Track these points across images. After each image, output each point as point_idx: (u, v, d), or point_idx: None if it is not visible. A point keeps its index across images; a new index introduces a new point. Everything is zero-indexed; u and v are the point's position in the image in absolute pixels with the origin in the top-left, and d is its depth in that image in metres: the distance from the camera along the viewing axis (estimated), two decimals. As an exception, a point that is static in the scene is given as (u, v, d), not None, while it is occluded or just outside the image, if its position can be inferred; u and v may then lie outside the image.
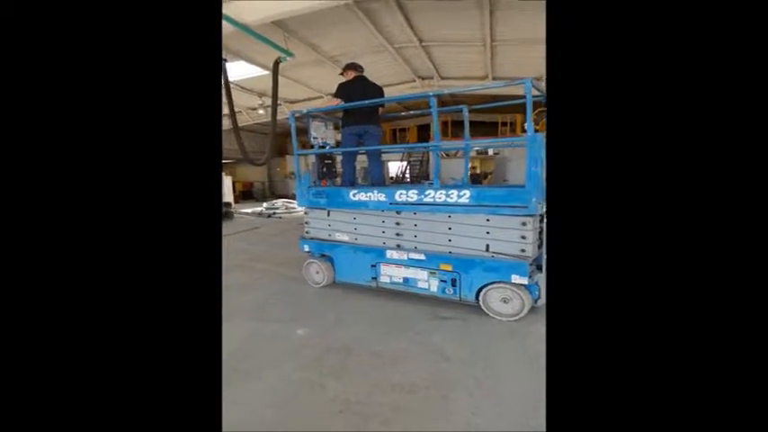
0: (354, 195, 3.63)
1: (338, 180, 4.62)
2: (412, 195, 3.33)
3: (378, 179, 4.18)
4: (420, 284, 3.41)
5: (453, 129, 13.21)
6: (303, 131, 4.16)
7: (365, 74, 4.36)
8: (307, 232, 4.11)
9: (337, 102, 3.95)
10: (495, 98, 5.11)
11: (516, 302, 3.00)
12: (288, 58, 6.32)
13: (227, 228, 8.81)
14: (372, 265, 3.64)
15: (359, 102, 3.82)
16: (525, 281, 2.90)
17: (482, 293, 3.12)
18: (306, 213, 4.09)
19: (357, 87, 4.03)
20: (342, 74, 4.30)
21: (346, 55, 8.36)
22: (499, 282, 3.03)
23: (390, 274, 3.56)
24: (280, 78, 5.75)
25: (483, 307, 3.13)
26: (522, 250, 2.96)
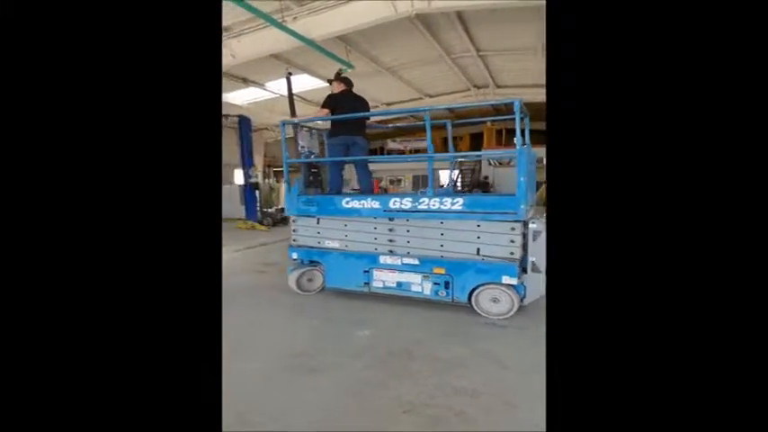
0: (347, 203, 3.74)
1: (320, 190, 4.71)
2: (406, 203, 3.50)
3: (367, 188, 4.32)
4: (414, 288, 3.56)
5: (507, 137, 13.46)
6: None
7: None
8: (294, 240, 4.14)
9: (325, 112, 4.07)
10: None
11: (506, 302, 3.23)
12: (348, 70, 6.72)
13: (283, 233, 8.51)
14: (365, 271, 3.74)
15: (348, 113, 3.99)
16: (515, 281, 3.14)
17: (474, 294, 3.33)
18: (293, 221, 4.13)
19: (346, 100, 4.19)
20: (330, 83, 4.44)
21: (404, 65, 8.93)
22: (490, 283, 3.26)
23: (383, 279, 3.68)
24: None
25: (475, 307, 3.33)
26: (512, 253, 3.21)
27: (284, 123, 4.01)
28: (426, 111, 3.46)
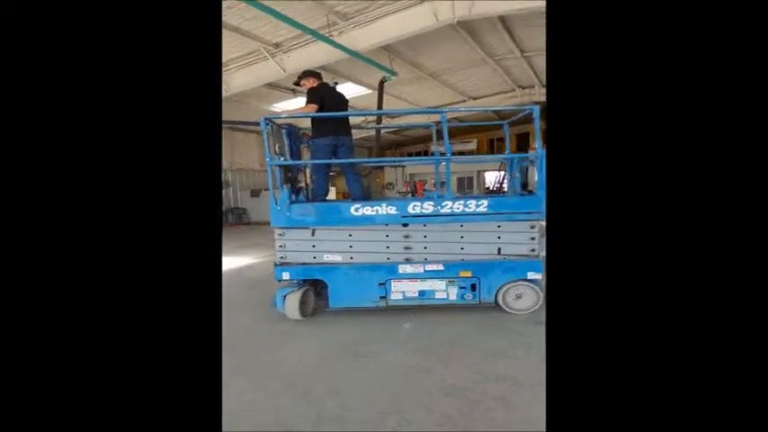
0: (357, 210, 3.33)
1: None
2: (428, 207, 3.33)
3: (358, 194, 3.90)
4: (438, 295, 3.43)
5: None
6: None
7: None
8: (282, 257, 3.46)
9: (314, 108, 3.54)
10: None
11: (532, 296, 3.41)
12: (392, 78, 7.27)
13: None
14: (381, 284, 3.41)
15: (334, 110, 3.59)
16: (540, 276, 3.34)
17: (500, 293, 3.40)
18: (280, 235, 3.45)
19: (330, 94, 3.72)
20: (298, 83, 3.87)
21: (447, 70, 9.15)
22: (516, 280, 3.38)
23: (403, 290, 3.42)
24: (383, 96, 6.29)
25: (503, 305, 3.41)
26: (533, 249, 3.40)
27: (266, 119, 3.30)
28: (443, 112, 3.36)
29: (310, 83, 3.79)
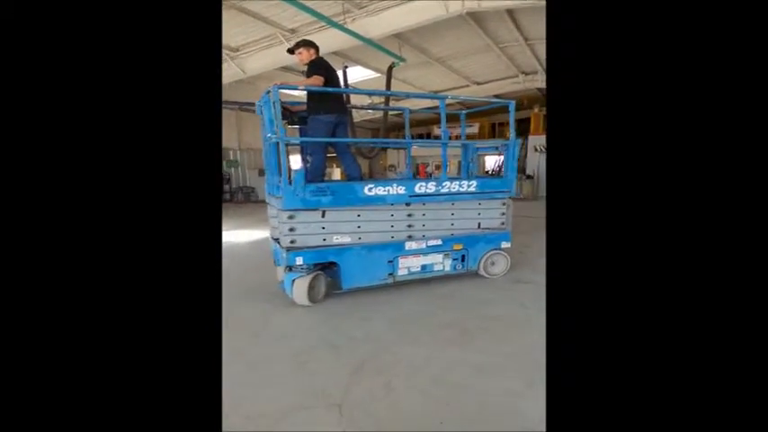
0: (370, 190, 3.35)
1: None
2: (431, 187, 3.59)
3: (356, 175, 3.78)
4: (436, 267, 3.76)
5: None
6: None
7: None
8: (292, 241, 3.20)
9: (321, 81, 3.29)
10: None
11: (503, 262, 4.09)
12: (400, 64, 7.45)
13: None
14: (389, 261, 3.53)
15: (336, 86, 3.48)
16: (509, 245, 4.03)
17: (482, 261, 3.95)
18: (290, 218, 3.17)
19: (332, 69, 3.50)
20: (294, 52, 3.52)
21: (453, 56, 9.31)
22: (493, 249, 3.99)
23: (409, 266, 3.63)
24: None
25: (482, 272, 3.99)
26: (502, 223, 4.06)
27: (279, 88, 2.93)
28: (443, 99, 3.62)
29: (309, 54, 3.50)
